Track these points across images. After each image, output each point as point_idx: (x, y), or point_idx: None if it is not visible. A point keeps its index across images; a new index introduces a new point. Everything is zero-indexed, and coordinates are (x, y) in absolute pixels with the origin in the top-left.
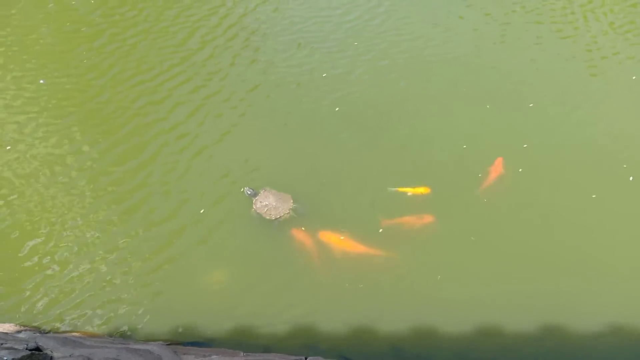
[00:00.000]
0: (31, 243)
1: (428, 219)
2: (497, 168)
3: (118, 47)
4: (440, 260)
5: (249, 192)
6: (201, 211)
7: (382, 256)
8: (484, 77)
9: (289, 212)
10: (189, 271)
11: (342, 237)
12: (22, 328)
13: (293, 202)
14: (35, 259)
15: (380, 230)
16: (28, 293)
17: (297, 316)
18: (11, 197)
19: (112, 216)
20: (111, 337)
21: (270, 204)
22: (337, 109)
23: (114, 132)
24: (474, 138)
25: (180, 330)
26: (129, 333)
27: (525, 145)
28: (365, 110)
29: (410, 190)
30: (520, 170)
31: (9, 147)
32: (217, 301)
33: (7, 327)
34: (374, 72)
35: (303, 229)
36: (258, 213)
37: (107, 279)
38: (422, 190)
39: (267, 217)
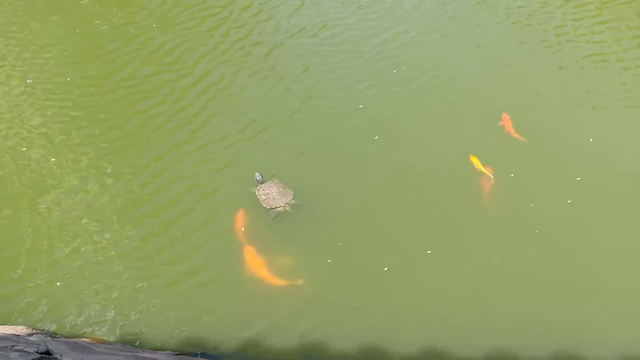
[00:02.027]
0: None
1: (489, 169)
2: (506, 122)
3: None
4: (454, 281)
5: (258, 178)
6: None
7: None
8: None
9: (284, 206)
10: (201, 282)
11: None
12: (34, 331)
13: (292, 199)
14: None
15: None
16: (45, 302)
17: (308, 333)
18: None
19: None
20: (121, 344)
21: (270, 194)
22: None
23: None
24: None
25: (189, 340)
26: (138, 341)
27: (578, 178)
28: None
29: (479, 167)
30: (569, 201)
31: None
32: (227, 313)
33: (19, 330)
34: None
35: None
36: (257, 199)
37: (118, 286)
38: (476, 160)
39: (264, 205)
